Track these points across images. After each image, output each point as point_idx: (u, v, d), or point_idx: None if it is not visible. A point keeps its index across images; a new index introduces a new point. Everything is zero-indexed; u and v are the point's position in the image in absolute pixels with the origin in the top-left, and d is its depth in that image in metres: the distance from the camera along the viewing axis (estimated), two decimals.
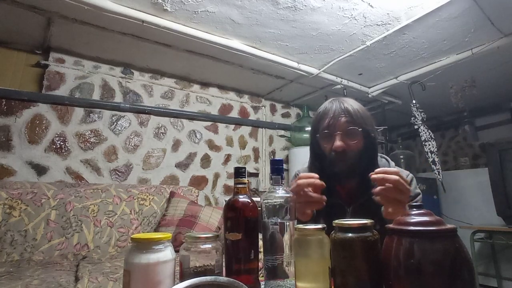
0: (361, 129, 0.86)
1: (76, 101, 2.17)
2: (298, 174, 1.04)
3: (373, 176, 0.72)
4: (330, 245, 0.57)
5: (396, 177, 0.69)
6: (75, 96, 2.19)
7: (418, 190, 0.94)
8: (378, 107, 3.21)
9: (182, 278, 0.57)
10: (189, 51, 2.18)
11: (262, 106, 3.18)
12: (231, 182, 2.78)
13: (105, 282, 1.16)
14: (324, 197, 0.76)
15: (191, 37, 1.94)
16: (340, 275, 0.54)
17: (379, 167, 0.87)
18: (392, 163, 0.99)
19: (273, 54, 2.27)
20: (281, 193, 0.65)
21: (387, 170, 0.73)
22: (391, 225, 0.54)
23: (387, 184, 0.70)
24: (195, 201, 2.22)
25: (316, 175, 0.77)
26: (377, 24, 1.91)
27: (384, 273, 0.52)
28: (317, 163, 0.94)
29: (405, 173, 0.93)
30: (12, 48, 2.05)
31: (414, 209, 0.53)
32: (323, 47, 2.19)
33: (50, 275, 1.22)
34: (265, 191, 0.77)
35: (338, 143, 0.84)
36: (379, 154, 1.00)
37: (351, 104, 0.90)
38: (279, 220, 0.63)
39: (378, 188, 0.72)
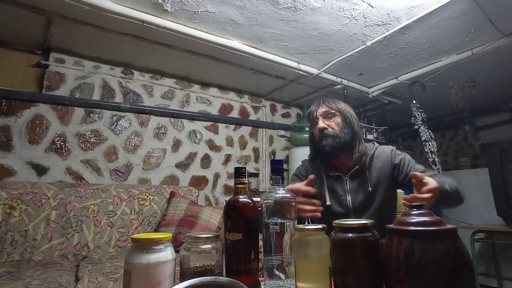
0: (334, 111, 1.15)
1: (76, 101, 2.17)
2: (303, 162, 1.32)
3: (414, 178, 0.86)
4: (330, 245, 0.57)
5: (427, 196, 0.81)
6: (75, 96, 2.19)
7: (404, 154, 1.16)
8: (378, 107, 3.21)
9: (182, 278, 0.57)
10: (189, 51, 2.18)
11: (262, 106, 3.18)
12: (231, 182, 2.78)
13: (105, 282, 1.16)
14: (321, 208, 0.96)
15: (191, 37, 1.94)
16: (340, 275, 0.54)
17: (363, 147, 1.14)
18: (376, 144, 1.23)
19: (273, 54, 2.26)
20: (281, 193, 0.65)
21: (428, 181, 0.84)
22: (391, 225, 0.54)
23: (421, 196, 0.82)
24: (195, 201, 2.21)
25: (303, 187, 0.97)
26: (377, 24, 1.91)
27: (384, 273, 0.52)
28: (313, 148, 1.23)
29: (388, 147, 1.19)
30: (12, 48, 2.05)
31: (414, 209, 0.53)
32: (323, 47, 2.19)
33: (50, 275, 1.22)
34: (265, 191, 0.78)
35: (320, 124, 1.14)
36: (373, 142, 1.25)
37: (329, 99, 1.20)
38: (279, 220, 0.63)
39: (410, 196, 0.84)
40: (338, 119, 1.15)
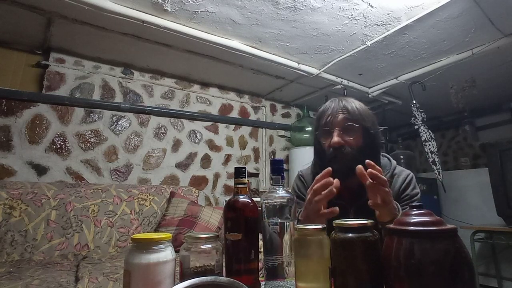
0: (358, 125, 0.87)
1: (76, 101, 2.17)
2: (301, 176, 1.07)
3: (370, 170, 0.72)
4: (331, 245, 0.57)
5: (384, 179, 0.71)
6: (75, 96, 2.19)
7: (417, 190, 0.94)
8: (378, 107, 3.20)
9: (182, 278, 0.57)
10: (189, 51, 2.18)
11: (262, 106, 3.18)
12: (231, 182, 2.78)
13: (105, 282, 1.16)
14: (337, 209, 0.75)
15: (191, 37, 1.94)
16: (340, 275, 0.54)
17: (381, 167, 0.88)
18: (394, 162, 0.99)
19: (273, 54, 2.26)
20: (281, 193, 0.65)
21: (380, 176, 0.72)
22: (391, 225, 0.54)
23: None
24: (195, 201, 2.21)
25: (330, 180, 0.75)
26: (377, 24, 1.91)
27: (384, 273, 0.52)
28: (319, 161, 0.95)
29: (405, 172, 0.95)
30: (12, 48, 2.05)
31: (414, 209, 0.53)
32: (323, 47, 2.19)
33: (50, 275, 1.22)
34: (265, 191, 0.78)
35: (335, 138, 0.86)
36: (389, 158, 1.00)
37: (350, 102, 0.92)
38: (279, 220, 0.63)
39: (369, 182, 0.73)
40: (359, 134, 0.88)
